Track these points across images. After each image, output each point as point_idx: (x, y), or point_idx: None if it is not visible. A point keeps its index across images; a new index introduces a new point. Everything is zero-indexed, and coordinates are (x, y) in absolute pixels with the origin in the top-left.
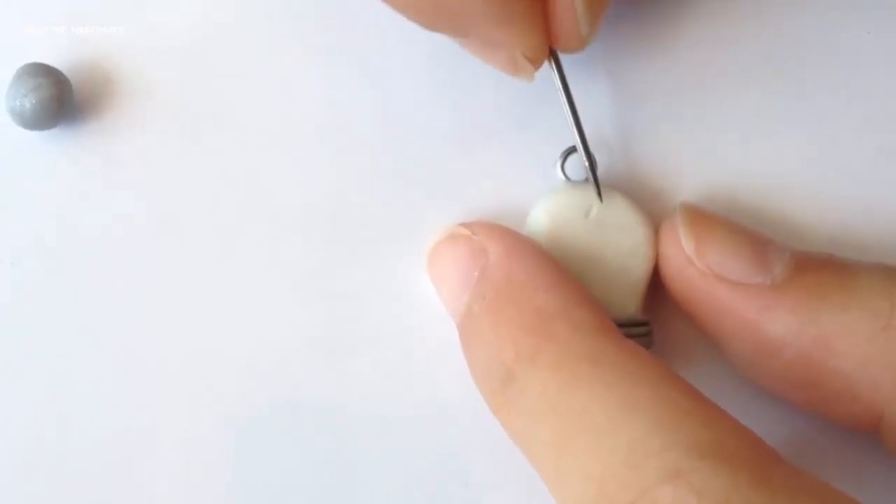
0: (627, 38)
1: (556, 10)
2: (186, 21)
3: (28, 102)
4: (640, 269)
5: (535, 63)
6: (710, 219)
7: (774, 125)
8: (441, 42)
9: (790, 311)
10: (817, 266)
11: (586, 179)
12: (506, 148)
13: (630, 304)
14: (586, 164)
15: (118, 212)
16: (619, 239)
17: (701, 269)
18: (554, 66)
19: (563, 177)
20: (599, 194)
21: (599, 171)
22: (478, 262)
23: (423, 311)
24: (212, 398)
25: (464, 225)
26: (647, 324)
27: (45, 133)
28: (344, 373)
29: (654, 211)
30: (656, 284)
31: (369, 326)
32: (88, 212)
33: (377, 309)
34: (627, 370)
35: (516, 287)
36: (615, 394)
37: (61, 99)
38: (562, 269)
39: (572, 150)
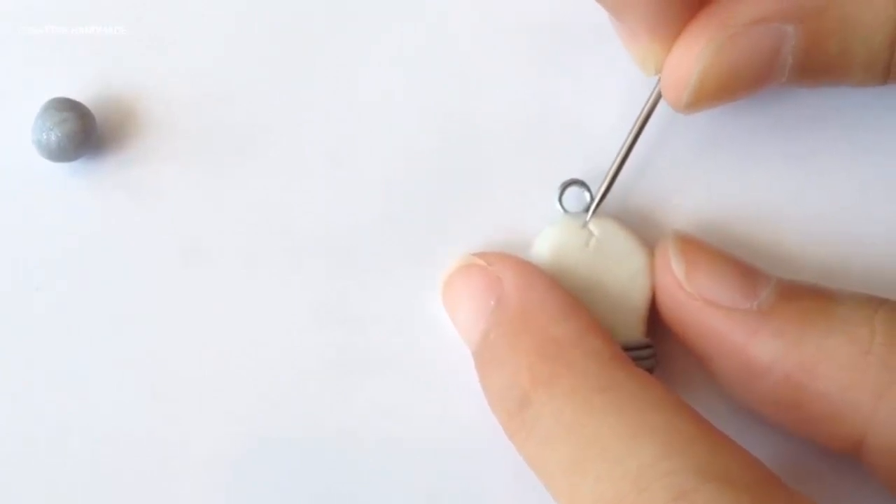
0: (622, 69)
1: (672, 66)
2: (207, 55)
3: (53, 136)
4: (640, 295)
5: (657, 71)
6: (700, 246)
7: (767, 155)
8: (452, 79)
9: (775, 335)
10: (802, 293)
11: (585, 210)
12: (511, 179)
13: (633, 328)
14: (594, 194)
15: (140, 239)
16: (618, 267)
17: (690, 294)
18: (651, 99)
19: (561, 209)
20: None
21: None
22: (493, 291)
23: (435, 336)
24: (230, 420)
25: (477, 255)
26: (651, 346)
27: (69, 165)
28: (359, 396)
29: (650, 238)
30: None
31: (383, 351)
32: (111, 240)
33: (391, 333)
34: (637, 397)
35: (531, 316)
36: (626, 420)
37: (85, 132)
38: (573, 299)
39: (570, 182)
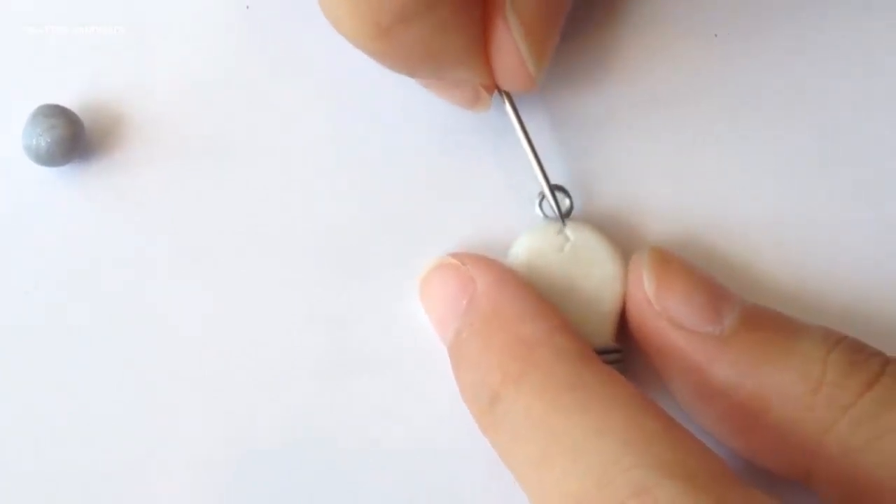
0: (600, 83)
1: (500, 54)
2: (195, 60)
3: (43, 141)
4: (611, 301)
5: (490, 92)
6: (674, 265)
7: (747, 162)
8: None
9: (732, 364)
10: (764, 324)
11: (556, 218)
12: (492, 186)
13: (603, 332)
14: (546, 190)
15: (128, 241)
16: (591, 272)
17: (657, 312)
18: (508, 106)
19: (540, 214)
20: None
21: (575, 209)
22: (466, 291)
23: (428, 337)
24: (225, 420)
25: (453, 255)
26: (620, 351)
27: (59, 169)
28: (354, 396)
29: (626, 243)
30: None
31: (377, 351)
32: (100, 242)
33: (386, 335)
34: (603, 395)
35: (503, 315)
36: (590, 417)
37: (74, 138)
38: (544, 300)
39: (551, 188)
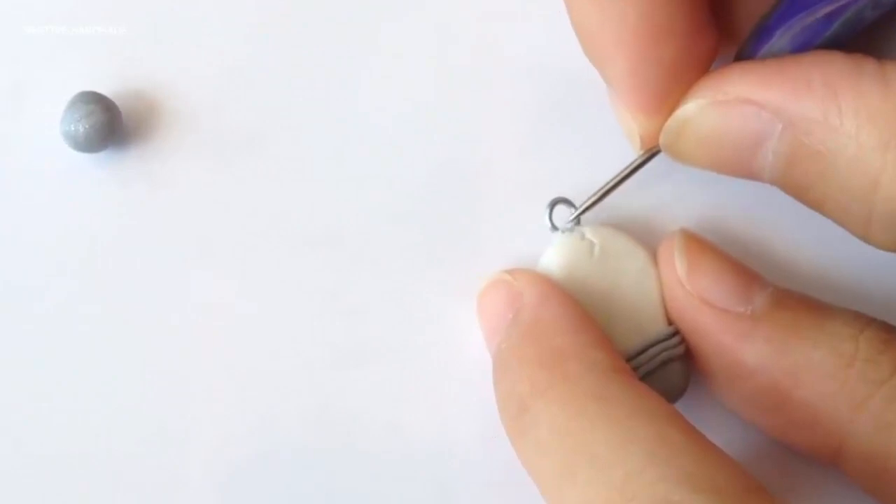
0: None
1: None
2: (228, 52)
3: (81, 127)
4: (654, 287)
5: (643, 144)
6: (704, 246)
7: None
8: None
9: (765, 341)
10: (795, 304)
11: (571, 229)
12: (501, 194)
13: (656, 319)
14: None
15: (159, 227)
16: (626, 266)
17: (689, 292)
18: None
19: (549, 225)
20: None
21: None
22: (512, 306)
23: (436, 326)
24: (240, 410)
25: (507, 271)
26: (678, 332)
27: (95, 155)
28: (363, 388)
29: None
30: None
31: (389, 340)
32: (133, 227)
33: (396, 328)
34: (629, 406)
35: (541, 329)
36: (616, 429)
37: (111, 124)
38: (584, 315)
39: (557, 200)
